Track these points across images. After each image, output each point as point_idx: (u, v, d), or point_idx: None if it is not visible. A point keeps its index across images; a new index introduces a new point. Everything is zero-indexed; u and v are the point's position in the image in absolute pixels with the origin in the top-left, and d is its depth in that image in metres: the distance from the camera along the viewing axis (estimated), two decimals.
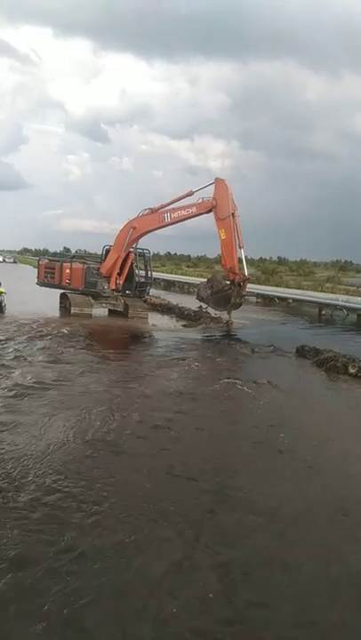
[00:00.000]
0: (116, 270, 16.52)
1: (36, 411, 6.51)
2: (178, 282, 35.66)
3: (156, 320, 17.26)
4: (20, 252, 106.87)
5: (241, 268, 14.82)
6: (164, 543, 3.75)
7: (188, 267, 61.77)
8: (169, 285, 34.93)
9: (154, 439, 5.85)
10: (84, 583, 3.24)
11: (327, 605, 3.25)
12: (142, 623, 2.97)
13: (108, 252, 17.01)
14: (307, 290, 27.37)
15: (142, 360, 10.80)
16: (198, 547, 3.75)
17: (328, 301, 21.71)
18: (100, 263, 17.25)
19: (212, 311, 16.94)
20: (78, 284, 17.04)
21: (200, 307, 17.76)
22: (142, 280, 17.60)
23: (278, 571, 3.57)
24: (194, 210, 15.22)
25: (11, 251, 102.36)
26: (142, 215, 16.15)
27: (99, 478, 4.68)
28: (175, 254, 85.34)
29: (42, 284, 18.50)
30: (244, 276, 14.98)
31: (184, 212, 15.44)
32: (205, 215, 15.02)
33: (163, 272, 42.43)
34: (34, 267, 25.40)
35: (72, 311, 16.51)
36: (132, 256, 16.85)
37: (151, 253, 18.63)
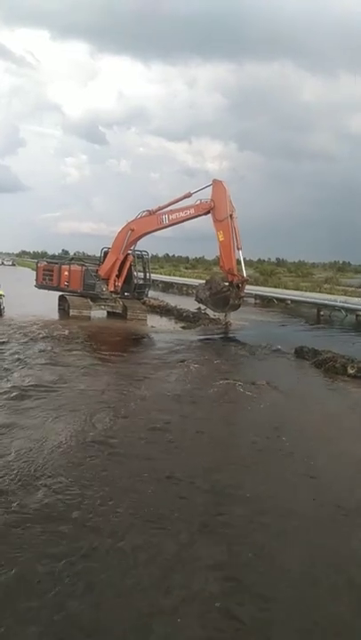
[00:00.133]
0: (115, 272, 16.52)
1: (34, 414, 6.50)
2: (176, 283, 35.66)
3: (154, 322, 17.27)
4: (18, 255, 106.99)
5: (239, 270, 14.84)
6: (166, 547, 3.74)
7: (186, 268, 61.79)
8: (167, 287, 34.94)
9: (153, 442, 5.83)
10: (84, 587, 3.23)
11: (328, 606, 3.25)
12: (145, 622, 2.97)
13: (106, 254, 17.03)
14: (305, 291, 27.39)
15: (141, 362, 10.80)
16: (200, 551, 3.73)
17: (326, 302, 21.72)
18: (99, 265, 17.25)
19: (210, 312, 16.96)
20: (77, 286, 17.03)
21: (199, 308, 17.76)
22: (141, 282, 17.60)
23: (279, 571, 3.57)
24: (192, 211, 15.24)
25: (9, 253, 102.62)
26: (140, 217, 16.17)
27: (99, 483, 4.65)
28: (173, 256, 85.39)
29: (40, 286, 18.49)
30: (243, 277, 15.00)
31: (182, 214, 15.46)
32: (203, 217, 15.04)
33: (161, 274, 42.41)
34: (32, 269, 25.34)
35: (71, 313, 16.50)
36: (130, 258, 16.84)
37: (149, 255, 18.65)
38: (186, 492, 4.61)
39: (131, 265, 16.94)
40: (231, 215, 14.51)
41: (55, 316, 16.87)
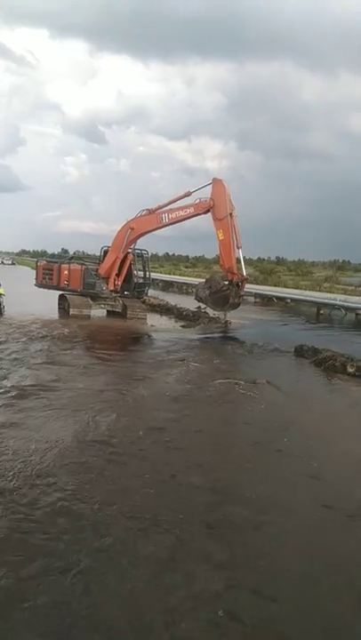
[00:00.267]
0: (115, 271, 16.51)
1: (33, 413, 6.48)
2: (176, 282, 35.68)
3: (154, 321, 17.27)
4: (18, 254, 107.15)
5: (239, 268, 14.83)
6: (168, 548, 3.74)
7: (186, 267, 61.81)
8: (167, 286, 34.95)
9: (154, 442, 5.80)
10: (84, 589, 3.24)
11: (329, 606, 3.26)
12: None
13: (106, 253, 17.02)
14: (305, 289, 27.40)
15: (141, 361, 10.80)
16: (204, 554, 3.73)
17: (326, 301, 21.75)
18: (99, 264, 17.25)
19: (210, 311, 16.96)
20: (77, 285, 17.03)
21: (199, 307, 17.77)
22: (141, 281, 17.60)
23: (282, 571, 3.58)
24: (191, 210, 15.23)
25: (9, 252, 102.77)
26: (140, 216, 16.16)
27: (99, 483, 4.63)
28: (173, 255, 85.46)
29: (40, 285, 18.51)
30: (243, 276, 14.98)
31: (182, 213, 15.44)
32: (203, 215, 15.01)
33: (161, 273, 42.41)
34: (32, 268, 25.36)
35: (71, 312, 16.50)
36: (130, 257, 16.84)
37: (149, 254, 18.62)
38: (187, 493, 4.59)
39: (130, 264, 16.93)
40: (231, 214, 14.49)
41: (55, 315, 16.87)
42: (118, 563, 3.49)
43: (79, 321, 15.38)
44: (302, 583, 3.42)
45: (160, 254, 74.58)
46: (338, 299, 21.41)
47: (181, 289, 32.73)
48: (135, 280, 17.32)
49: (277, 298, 25.74)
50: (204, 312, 17.57)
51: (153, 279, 22.32)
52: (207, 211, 14.86)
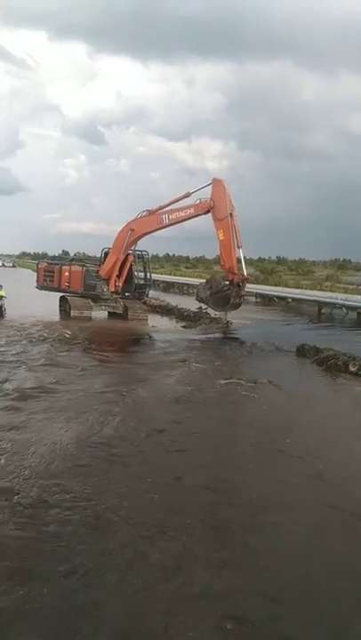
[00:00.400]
0: (115, 272, 16.51)
1: (35, 416, 6.46)
2: (177, 283, 35.69)
3: (155, 321, 17.27)
4: (18, 256, 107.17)
5: (240, 268, 14.81)
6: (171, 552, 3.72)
7: (186, 268, 61.81)
8: (168, 287, 34.95)
9: (156, 444, 5.78)
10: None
11: (329, 607, 3.25)
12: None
13: (106, 254, 17.02)
14: (306, 289, 27.39)
15: (142, 362, 10.80)
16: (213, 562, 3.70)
17: (327, 300, 21.72)
18: (99, 266, 17.25)
19: (211, 312, 16.95)
20: (77, 286, 17.04)
21: (199, 307, 17.76)
22: (141, 282, 17.60)
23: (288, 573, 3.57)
24: (192, 211, 15.22)
25: (9, 255, 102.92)
26: (140, 217, 16.16)
27: (102, 487, 4.60)
28: (174, 255, 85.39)
29: (41, 287, 18.53)
30: (243, 276, 14.97)
31: (182, 214, 15.44)
32: (203, 216, 15.01)
33: (162, 273, 42.44)
34: (33, 270, 25.35)
35: (72, 314, 16.51)
36: (130, 258, 16.84)
37: (150, 255, 18.64)
38: (191, 495, 4.56)
39: (131, 265, 16.93)
40: (231, 214, 14.48)
41: (56, 316, 16.88)
42: (123, 566, 3.48)
43: (80, 322, 15.38)
44: (306, 584, 3.41)
45: (161, 255, 74.61)
46: (339, 298, 21.37)
47: (182, 289, 32.73)
48: (136, 281, 17.32)
49: (278, 297, 25.72)
50: (205, 312, 17.55)
51: (154, 280, 22.32)
52: (207, 211, 14.86)
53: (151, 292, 19.82)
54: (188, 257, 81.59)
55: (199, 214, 15.09)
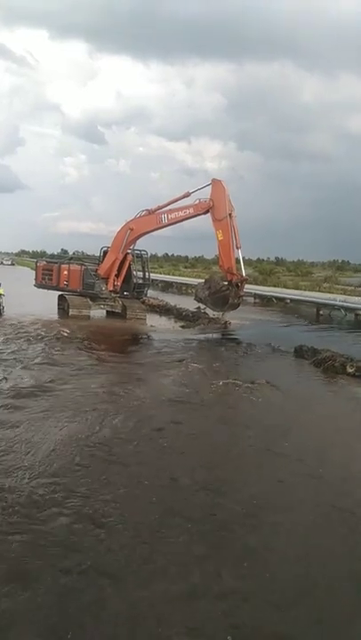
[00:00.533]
0: (114, 272, 16.50)
1: (31, 415, 6.43)
2: (176, 283, 35.66)
3: (154, 321, 17.26)
4: (17, 254, 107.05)
5: (239, 269, 14.82)
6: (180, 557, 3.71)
7: (185, 268, 61.82)
8: (167, 286, 34.93)
9: (153, 445, 5.74)
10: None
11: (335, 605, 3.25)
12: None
13: (105, 253, 17.01)
14: (304, 290, 27.39)
15: (140, 361, 10.79)
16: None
17: (326, 301, 21.74)
18: (98, 265, 17.24)
19: (210, 312, 16.95)
20: (76, 285, 17.03)
21: (198, 307, 17.76)
22: (140, 281, 17.58)
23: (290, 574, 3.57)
24: (191, 211, 15.22)
25: (8, 253, 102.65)
26: (139, 217, 16.15)
27: (100, 487, 4.57)
28: (173, 255, 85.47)
29: (40, 285, 18.50)
30: (242, 276, 14.97)
31: (181, 214, 15.43)
32: (203, 216, 15.01)
33: (160, 273, 42.39)
34: (31, 269, 25.34)
35: (70, 313, 16.49)
36: (129, 257, 16.82)
37: (149, 254, 18.62)
38: (190, 496, 4.55)
39: (130, 264, 16.92)
40: (230, 214, 14.48)
41: (54, 315, 16.86)
42: (123, 567, 3.48)
43: (78, 321, 15.37)
44: (306, 584, 3.41)
45: (159, 255, 74.63)
46: (338, 299, 21.40)
47: (181, 289, 32.71)
48: (135, 280, 17.30)
49: (277, 298, 25.74)
50: (204, 312, 17.55)
51: (152, 280, 22.29)
52: (207, 211, 14.86)
53: (150, 292, 19.83)
54: (186, 257, 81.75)
55: (198, 214, 15.09)
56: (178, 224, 15.81)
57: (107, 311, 17.54)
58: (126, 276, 16.87)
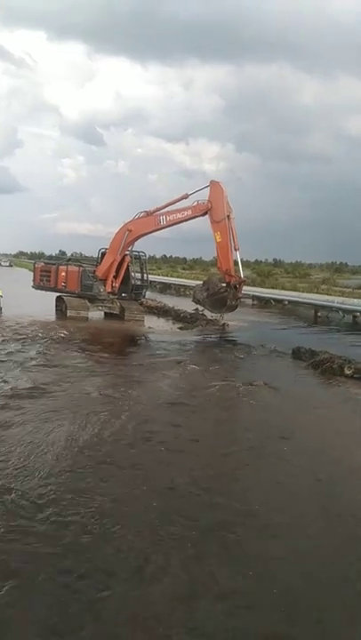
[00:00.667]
0: (112, 273, 16.51)
1: (27, 418, 6.37)
2: (174, 284, 35.62)
3: (152, 323, 17.26)
4: (15, 256, 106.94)
5: (237, 271, 14.85)
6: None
7: (183, 269, 61.87)
8: (165, 288, 34.91)
9: (150, 449, 5.68)
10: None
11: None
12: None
13: (103, 254, 17.01)
14: (302, 292, 27.42)
15: (138, 363, 10.78)
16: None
17: (324, 303, 21.75)
18: (96, 266, 17.23)
19: (208, 313, 16.96)
20: (74, 287, 17.02)
21: (196, 309, 17.78)
22: (138, 283, 17.60)
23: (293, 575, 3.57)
24: (189, 212, 15.24)
25: (6, 254, 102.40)
26: (138, 218, 16.16)
27: (97, 494, 4.48)
28: (171, 257, 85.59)
29: (38, 287, 18.49)
30: (240, 278, 15.00)
31: (179, 215, 15.45)
32: (201, 218, 15.04)
33: (159, 275, 42.36)
34: (30, 270, 25.33)
35: (68, 314, 16.47)
36: (127, 259, 16.84)
37: (147, 256, 18.66)
38: (188, 499, 4.53)
39: (128, 266, 16.93)
40: (228, 216, 14.51)
41: (52, 316, 16.85)
42: (123, 566, 3.47)
43: (76, 323, 15.35)
44: (306, 584, 3.41)
45: (158, 256, 74.68)
46: (335, 301, 21.41)
47: (179, 291, 32.70)
48: (133, 282, 17.31)
49: (275, 300, 25.76)
50: (202, 314, 17.56)
51: (150, 281, 22.29)
52: (205, 213, 14.88)
53: (148, 294, 19.83)
54: (185, 258, 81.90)
55: (197, 216, 15.11)
56: (176, 225, 15.86)
57: (105, 312, 17.54)
58: (124, 278, 16.89)
